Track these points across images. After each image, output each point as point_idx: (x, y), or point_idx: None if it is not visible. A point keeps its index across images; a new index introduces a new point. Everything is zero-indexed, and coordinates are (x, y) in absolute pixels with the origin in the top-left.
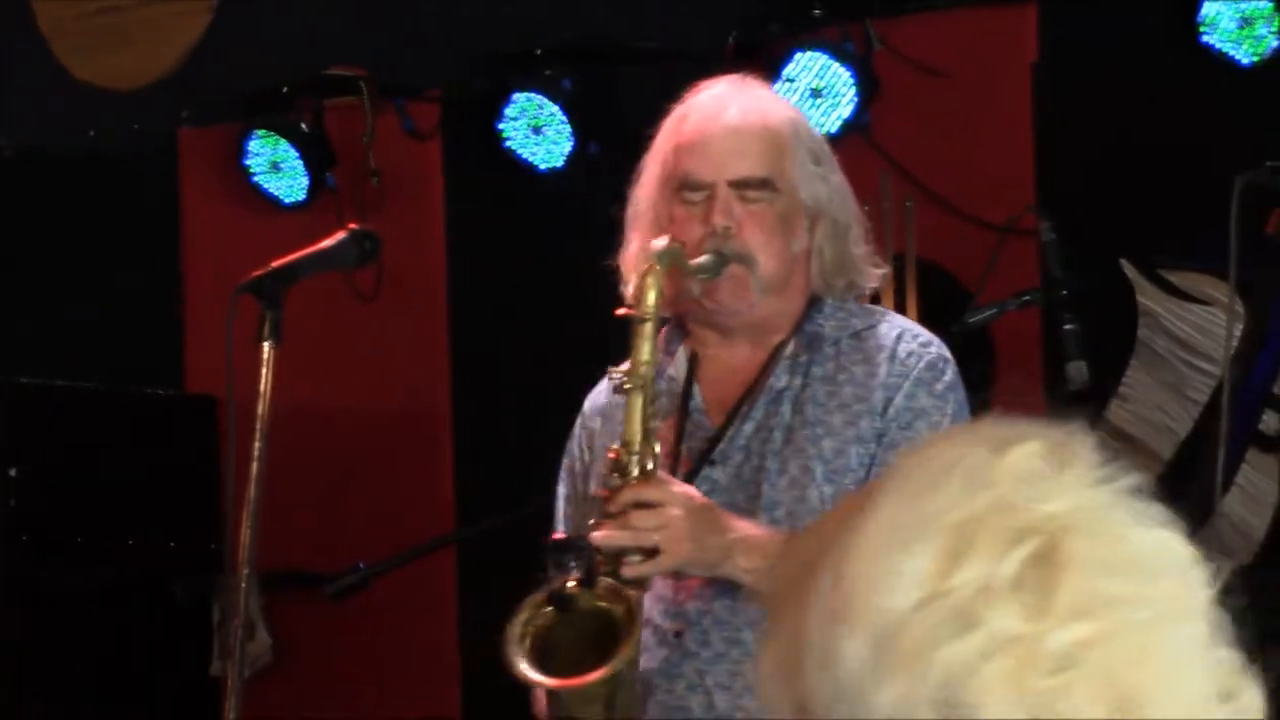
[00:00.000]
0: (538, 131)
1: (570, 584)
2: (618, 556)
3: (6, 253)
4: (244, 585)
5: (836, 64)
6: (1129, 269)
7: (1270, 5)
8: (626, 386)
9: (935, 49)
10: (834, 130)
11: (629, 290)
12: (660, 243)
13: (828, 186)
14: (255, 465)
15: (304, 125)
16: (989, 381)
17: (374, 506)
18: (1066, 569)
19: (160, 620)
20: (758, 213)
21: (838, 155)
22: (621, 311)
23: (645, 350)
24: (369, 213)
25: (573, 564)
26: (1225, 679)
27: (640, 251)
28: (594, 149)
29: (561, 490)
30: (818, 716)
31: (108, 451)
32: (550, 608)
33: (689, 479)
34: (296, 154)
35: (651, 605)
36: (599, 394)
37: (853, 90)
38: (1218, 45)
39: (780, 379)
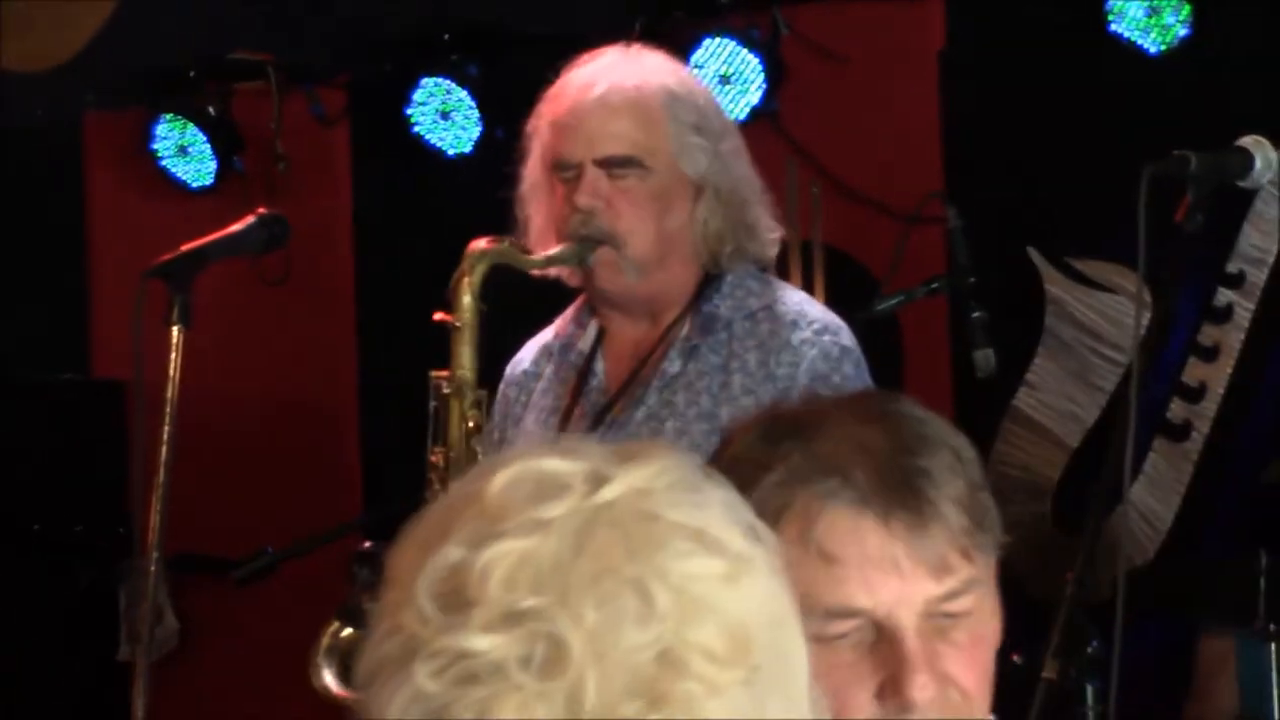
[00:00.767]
0: (446, 117)
1: (367, 598)
2: None
3: None
4: (152, 570)
5: (744, 50)
6: (1036, 257)
7: None
8: (445, 392)
9: (842, 36)
10: (742, 117)
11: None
12: (480, 243)
13: (711, 156)
14: (163, 450)
15: (211, 110)
16: (897, 369)
17: (281, 491)
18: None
19: (67, 605)
20: (627, 190)
21: (746, 141)
22: (438, 317)
23: (464, 355)
24: (277, 198)
25: (367, 575)
26: None
27: (470, 252)
28: (501, 134)
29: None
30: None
31: (13, 436)
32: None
33: None
34: (204, 138)
35: None
36: (516, 363)
37: (760, 77)
38: (1126, 34)
39: (674, 363)
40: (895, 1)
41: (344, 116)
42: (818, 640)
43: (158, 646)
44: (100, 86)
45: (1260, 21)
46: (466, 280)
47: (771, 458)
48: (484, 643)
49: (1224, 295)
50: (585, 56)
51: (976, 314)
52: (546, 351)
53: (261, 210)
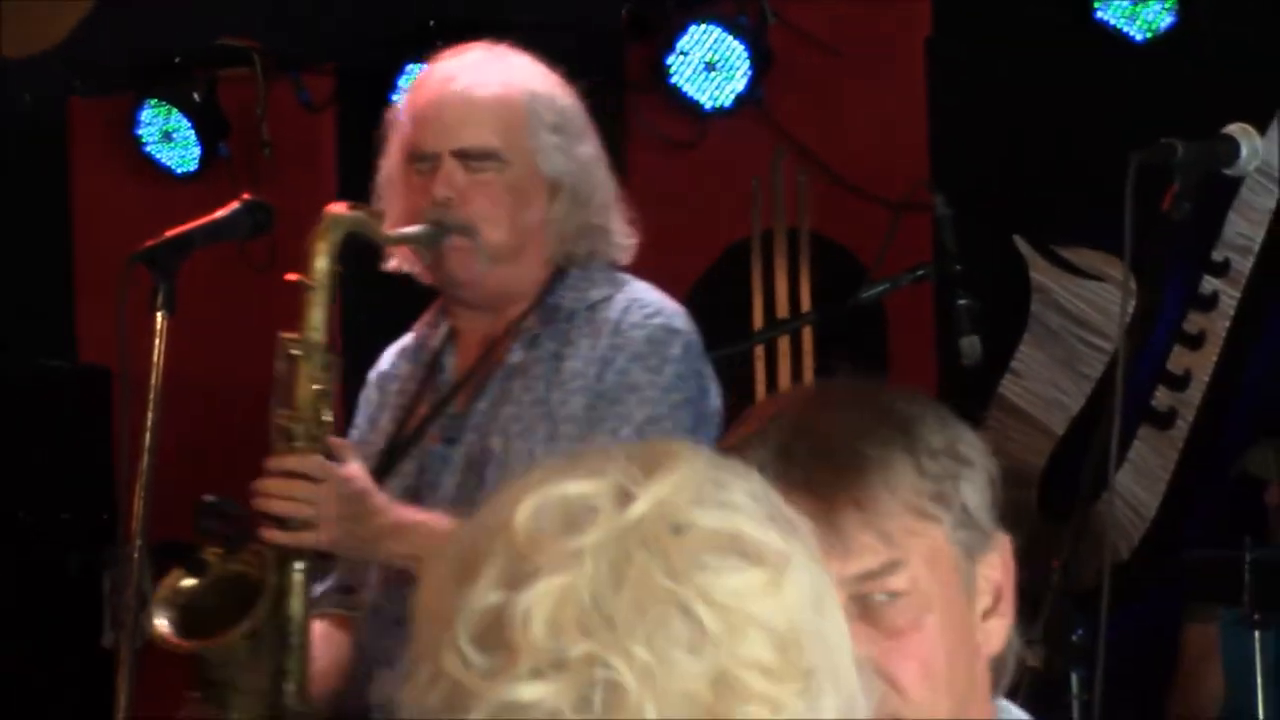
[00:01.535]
0: None
1: (211, 550)
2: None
3: None
4: (137, 557)
5: (730, 37)
6: (1023, 245)
7: None
8: (294, 353)
9: (829, 23)
10: (727, 104)
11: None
12: (338, 208)
13: (567, 158)
14: (148, 436)
15: (197, 96)
16: (882, 356)
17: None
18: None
19: (51, 591)
20: (484, 182)
21: (732, 129)
22: (290, 276)
23: (315, 317)
24: (262, 184)
25: (214, 528)
26: None
27: (328, 214)
28: None
29: None
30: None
31: None
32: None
33: (423, 458)
34: (189, 124)
35: (378, 587)
36: (375, 367)
37: (746, 64)
38: (1112, 22)
39: (515, 354)
40: None
41: (330, 103)
42: None
43: (142, 633)
44: (85, 72)
45: (1245, 9)
46: (322, 243)
47: (731, 438)
48: (535, 692)
49: (1209, 283)
50: (449, 52)
51: (963, 301)
52: (404, 353)
53: (247, 196)
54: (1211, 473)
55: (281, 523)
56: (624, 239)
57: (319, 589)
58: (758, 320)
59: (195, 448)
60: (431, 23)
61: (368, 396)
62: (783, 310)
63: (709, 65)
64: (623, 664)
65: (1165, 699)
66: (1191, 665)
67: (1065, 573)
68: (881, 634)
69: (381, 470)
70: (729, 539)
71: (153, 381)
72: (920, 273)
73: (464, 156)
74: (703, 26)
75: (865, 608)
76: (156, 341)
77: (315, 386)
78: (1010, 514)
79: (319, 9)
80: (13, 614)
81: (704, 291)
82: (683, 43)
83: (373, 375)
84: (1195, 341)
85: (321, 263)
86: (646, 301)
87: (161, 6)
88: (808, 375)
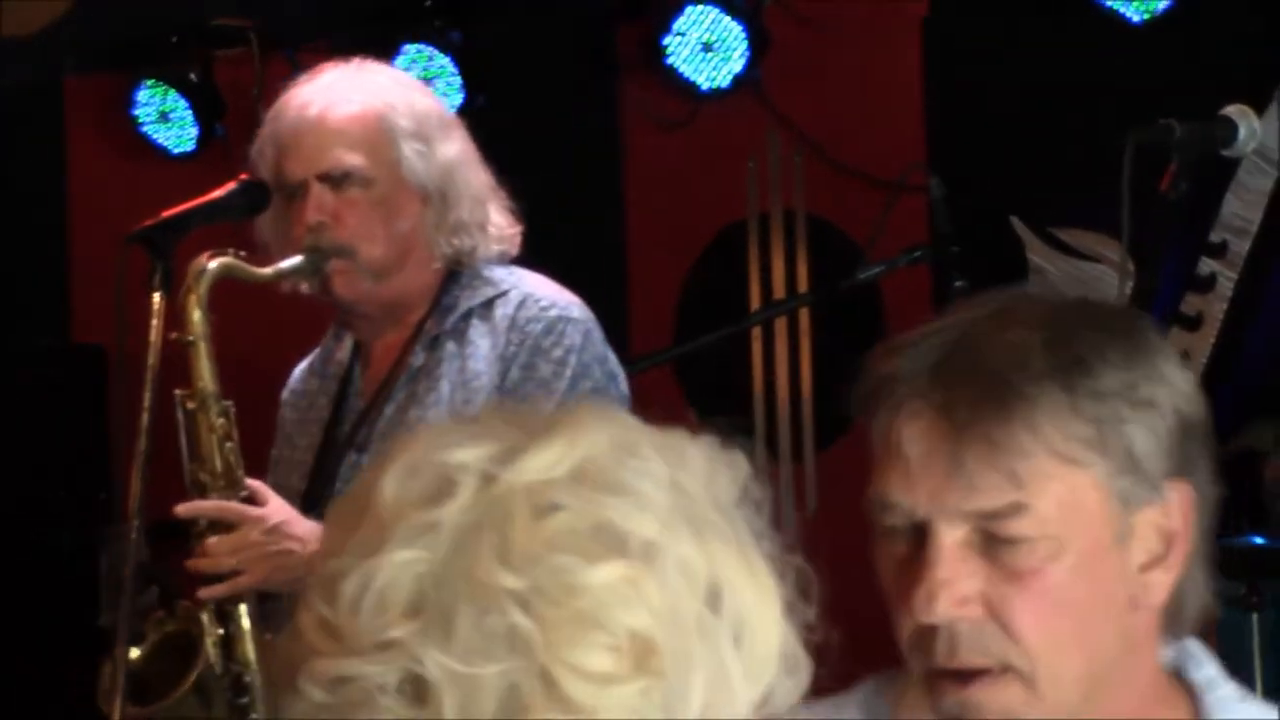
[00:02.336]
0: (428, 83)
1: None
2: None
3: None
4: (133, 536)
5: (727, 18)
6: (1019, 226)
7: None
8: (190, 407)
9: (826, 4)
10: (725, 85)
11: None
12: (201, 260)
13: (429, 163)
14: (144, 416)
15: (193, 75)
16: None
17: (262, 456)
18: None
19: (47, 571)
20: (352, 200)
21: (728, 110)
22: (173, 336)
23: (201, 369)
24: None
25: (150, 603)
26: None
27: (193, 268)
28: (483, 101)
29: (269, 480)
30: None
31: None
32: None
33: (334, 465)
34: (186, 104)
35: None
36: (287, 387)
37: (743, 45)
38: (1109, 3)
39: (418, 357)
40: None
41: None
42: (880, 531)
43: (139, 612)
44: (81, 52)
45: None
46: (193, 296)
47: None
48: (357, 668)
49: (1207, 264)
50: (304, 77)
51: (959, 283)
52: (311, 370)
53: (244, 176)
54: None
55: (213, 578)
56: (506, 230)
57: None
58: (754, 301)
59: None
60: (427, 2)
61: (283, 416)
62: (779, 291)
63: (706, 46)
64: (436, 653)
65: None
66: None
67: None
68: (999, 574)
69: (313, 488)
70: (593, 528)
71: (150, 361)
72: (916, 254)
73: (329, 180)
74: (700, 7)
75: (987, 544)
76: (153, 321)
77: (217, 435)
78: None
79: None
80: (8, 593)
81: (701, 272)
82: (679, 23)
83: (285, 396)
84: (1193, 323)
85: (196, 315)
86: (540, 295)
87: None
88: (804, 356)
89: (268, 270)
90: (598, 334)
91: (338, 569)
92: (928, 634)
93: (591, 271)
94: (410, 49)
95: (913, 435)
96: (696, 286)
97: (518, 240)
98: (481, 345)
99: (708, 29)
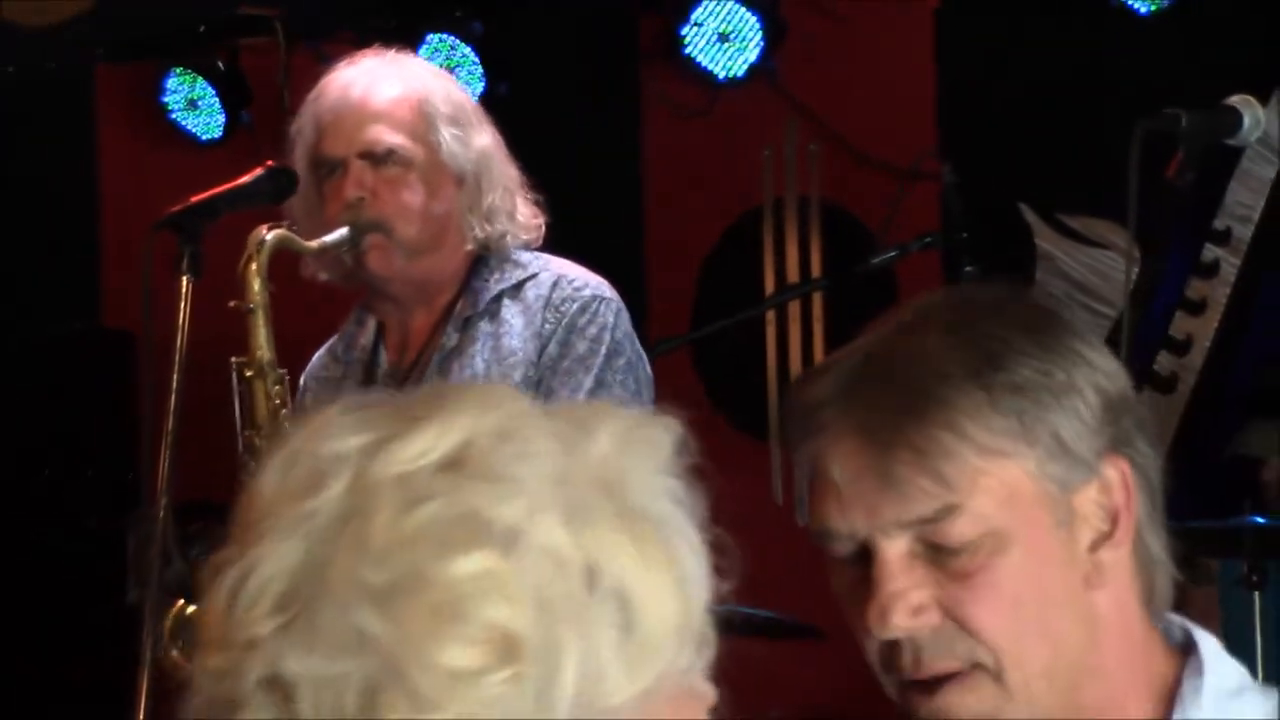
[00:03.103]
0: (450, 72)
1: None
2: None
3: None
4: (162, 515)
5: (743, 9)
6: (1028, 213)
7: None
8: (248, 374)
9: None
10: (740, 74)
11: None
12: (261, 231)
13: (467, 149)
14: (172, 398)
15: (220, 64)
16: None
17: None
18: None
19: (76, 551)
20: (392, 179)
21: (744, 99)
22: (233, 304)
23: (260, 337)
24: (285, 150)
25: (205, 552)
26: None
27: (253, 239)
28: (504, 90)
29: None
30: None
31: (25, 384)
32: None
33: None
34: (213, 92)
35: None
36: (308, 370)
37: (759, 35)
38: None
39: (451, 338)
40: None
41: None
42: (830, 562)
43: (167, 590)
44: (111, 41)
45: None
46: (254, 265)
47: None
48: (224, 663)
49: (1211, 251)
50: (343, 62)
51: (969, 269)
52: (332, 354)
53: (270, 163)
54: (1211, 435)
55: None
56: (532, 220)
57: None
58: (769, 286)
59: (218, 410)
60: None
61: (303, 402)
62: (794, 276)
63: (722, 36)
64: (298, 652)
65: None
66: None
67: None
68: (949, 577)
69: None
70: (458, 517)
71: (178, 344)
72: (928, 240)
73: (369, 158)
74: None
75: (931, 551)
76: (181, 305)
77: (274, 402)
78: None
79: None
80: (38, 572)
81: (717, 258)
82: (697, 14)
83: (306, 380)
84: (1197, 308)
85: (256, 284)
86: (573, 276)
87: None
88: (818, 341)
89: (313, 244)
90: (626, 314)
91: (223, 559)
92: (892, 650)
93: (610, 257)
94: (433, 39)
95: (838, 458)
96: (713, 271)
97: (542, 231)
98: (515, 324)
99: (724, 20)
